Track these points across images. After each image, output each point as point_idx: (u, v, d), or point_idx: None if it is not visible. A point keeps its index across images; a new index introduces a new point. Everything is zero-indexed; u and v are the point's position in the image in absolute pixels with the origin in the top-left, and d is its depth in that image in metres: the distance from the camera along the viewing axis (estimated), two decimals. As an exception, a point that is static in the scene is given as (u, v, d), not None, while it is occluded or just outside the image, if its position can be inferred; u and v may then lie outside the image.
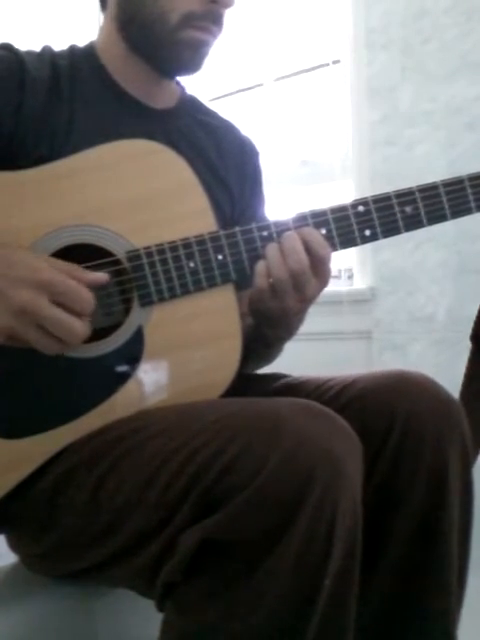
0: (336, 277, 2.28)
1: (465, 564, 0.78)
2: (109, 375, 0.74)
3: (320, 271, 0.75)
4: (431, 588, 0.75)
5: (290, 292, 0.74)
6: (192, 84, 1.00)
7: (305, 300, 0.76)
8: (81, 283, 0.66)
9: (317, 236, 0.74)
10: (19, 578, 0.86)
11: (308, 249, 0.74)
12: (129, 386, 0.74)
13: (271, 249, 0.74)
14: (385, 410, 0.75)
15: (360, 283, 2.11)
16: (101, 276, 0.70)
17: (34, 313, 0.64)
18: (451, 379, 0.93)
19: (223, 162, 0.94)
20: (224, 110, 1.01)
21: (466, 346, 1.18)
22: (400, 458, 0.74)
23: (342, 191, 2.32)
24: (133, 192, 0.75)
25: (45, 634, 0.80)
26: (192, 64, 0.84)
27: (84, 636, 0.83)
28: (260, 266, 0.75)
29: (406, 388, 0.76)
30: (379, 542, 0.75)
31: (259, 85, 2.58)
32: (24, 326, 0.65)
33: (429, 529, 0.74)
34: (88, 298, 0.66)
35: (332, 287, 2.22)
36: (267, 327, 0.83)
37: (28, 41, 0.89)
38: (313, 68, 2.44)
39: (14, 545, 0.85)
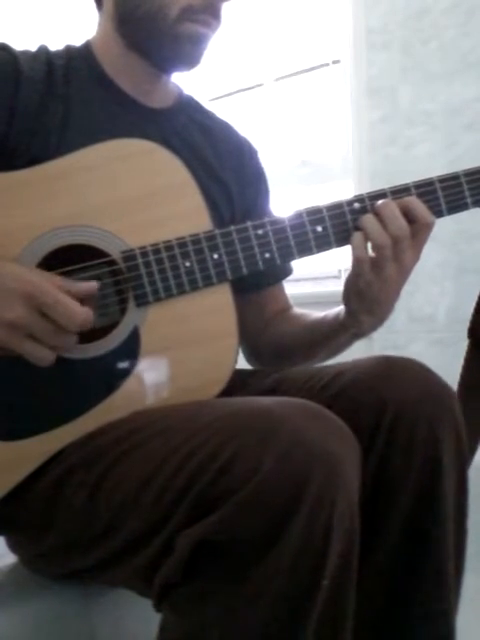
0: (336, 277, 2.28)
1: (462, 554, 0.77)
2: (106, 376, 0.74)
3: (420, 240, 0.76)
4: (428, 580, 0.74)
5: (390, 262, 0.75)
6: (192, 84, 1.00)
7: (403, 271, 0.77)
8: (71, 294, 0.66)
9: (420, 204, 0.75)
10: (19, 578, 0.86)
11: (410, 217, 0.75)
12: (126, 387, 0.74)
13: (368, 219, 0.75)
14: (375, 398, 0.74)
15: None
16: (91, 286, 0.69)
17: (24, 326, 0.64)
18: (451, 378, 0.93)
19: (220, 162, 0.94)
20: (224, 110, 1.01)
21: (466, 346, 1.18)
22: (393, 445, 0.73)
23: (342, 191, 2.31)
24: (128, 192, 0.75)
25: (44, 634, 0.80)
26: (191, 58, 0.84)
27: (83, 636, 0.82)
28: (357, 238, 0.75)
29: (396, 374, 0.76)
30: (374, 534, 0.74)
31: (259, 85, 2.58)
32: (15, 339, 0.65)
33: (424, 519, 0.74)
34: (77, 310, 0.66)
35: (331, 287, 2.23)
36: (365, 313, 0.81)
37: (26, 41, 0.89)
38: (313, 68, 2.44)
39: (14, 545, 0.85)
